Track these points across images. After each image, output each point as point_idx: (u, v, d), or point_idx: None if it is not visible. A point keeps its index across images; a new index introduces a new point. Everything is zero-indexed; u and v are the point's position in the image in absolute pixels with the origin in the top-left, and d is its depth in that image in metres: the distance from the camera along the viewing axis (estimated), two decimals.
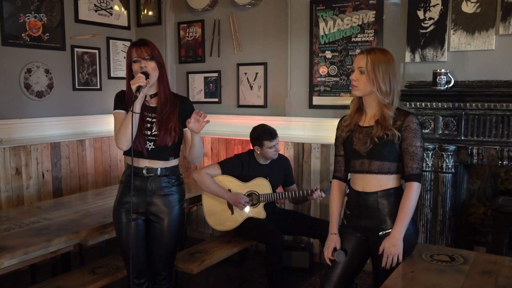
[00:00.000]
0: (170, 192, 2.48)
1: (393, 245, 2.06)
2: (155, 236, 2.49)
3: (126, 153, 2.44)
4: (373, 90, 2.09)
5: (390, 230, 2.11)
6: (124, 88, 2.47)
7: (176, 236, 2.53)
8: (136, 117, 2.31)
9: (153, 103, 2.45)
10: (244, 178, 3.43)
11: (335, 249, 2.24)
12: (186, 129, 2.46)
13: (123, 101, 2.44)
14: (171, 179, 2.49)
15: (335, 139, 2.33)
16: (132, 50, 2.36)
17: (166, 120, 2.40)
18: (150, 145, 2.41)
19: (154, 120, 2.41)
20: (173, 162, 2.51)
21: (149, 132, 2.40)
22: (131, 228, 2.44)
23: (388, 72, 2.08)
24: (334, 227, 2.28)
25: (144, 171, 2.43)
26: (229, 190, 3.40)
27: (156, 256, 2.52)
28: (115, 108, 2.47)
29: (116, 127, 2.42)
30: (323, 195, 3.29)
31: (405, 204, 2.08)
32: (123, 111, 2.42)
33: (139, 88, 2.27)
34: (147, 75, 2.32)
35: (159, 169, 2.45)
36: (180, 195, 2.54)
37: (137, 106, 2.30)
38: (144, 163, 2.43)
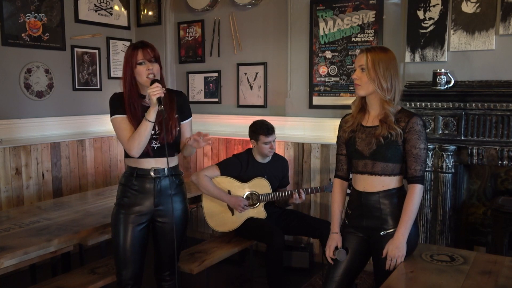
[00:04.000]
0: (176, 192, 2.50)
1: (396, 247, 2.06)
2: (163, 236, 2.50)
3: (129, 155, 2.43)
4: (374, 87, 2.08)
5: (391, 230, 2.11)
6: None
7: (183, 234, 2.58)
8: (151, 126, 2.33)
9: None
10: (243, 178, 3.43)
11: (336, 248, 2.24)
12: (183, 122, 2.51)
13: (121, 105, 2.39)
14: (175, 178, 2.52)
15: (337, 138, 2.33)
16: (137, 52, 2.34)
17: (167, 119, 2.39)
18: (156, 144, 2.41)
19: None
20: (175, 160, 2.54)
21: (152, 132, 2.39)
22: (131, 235, 2.42)
23: (389, 69, 2.08)
24: (335, 226, 2.29)
25: (151, 172, 2.43)
26: (229, 191, 3.40)
27: (164, 256, 2.54)
28: (114, 113, 2.41)
29: (123, 133, 2.38)
30: (303, 198, 3.32)
31: (408, 207, 2.08)
32: (124, 116, 2.38)
33: (160, 99, 2.26)
34: (158, 82, 2.32)
35: (166, 169, 2.44)
36: (184, 194, 2.58)
37: (153, 116, 2.31)
38: (150, 163, 2.43)
